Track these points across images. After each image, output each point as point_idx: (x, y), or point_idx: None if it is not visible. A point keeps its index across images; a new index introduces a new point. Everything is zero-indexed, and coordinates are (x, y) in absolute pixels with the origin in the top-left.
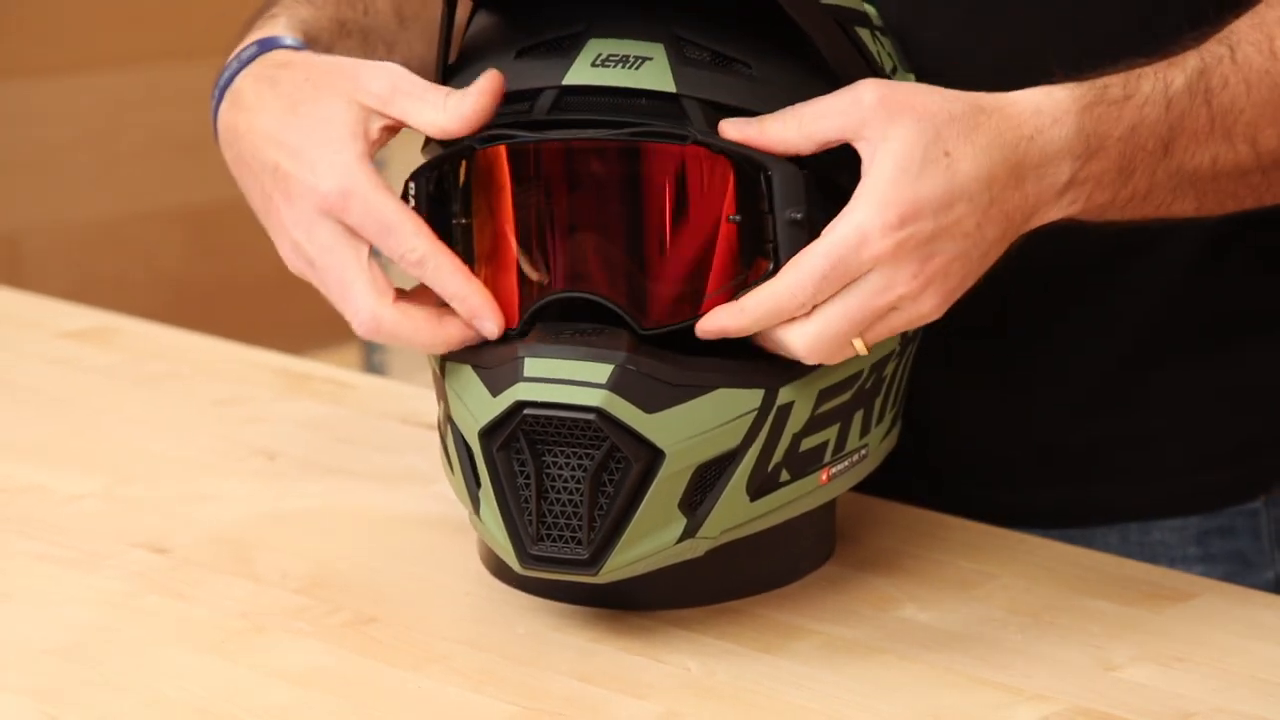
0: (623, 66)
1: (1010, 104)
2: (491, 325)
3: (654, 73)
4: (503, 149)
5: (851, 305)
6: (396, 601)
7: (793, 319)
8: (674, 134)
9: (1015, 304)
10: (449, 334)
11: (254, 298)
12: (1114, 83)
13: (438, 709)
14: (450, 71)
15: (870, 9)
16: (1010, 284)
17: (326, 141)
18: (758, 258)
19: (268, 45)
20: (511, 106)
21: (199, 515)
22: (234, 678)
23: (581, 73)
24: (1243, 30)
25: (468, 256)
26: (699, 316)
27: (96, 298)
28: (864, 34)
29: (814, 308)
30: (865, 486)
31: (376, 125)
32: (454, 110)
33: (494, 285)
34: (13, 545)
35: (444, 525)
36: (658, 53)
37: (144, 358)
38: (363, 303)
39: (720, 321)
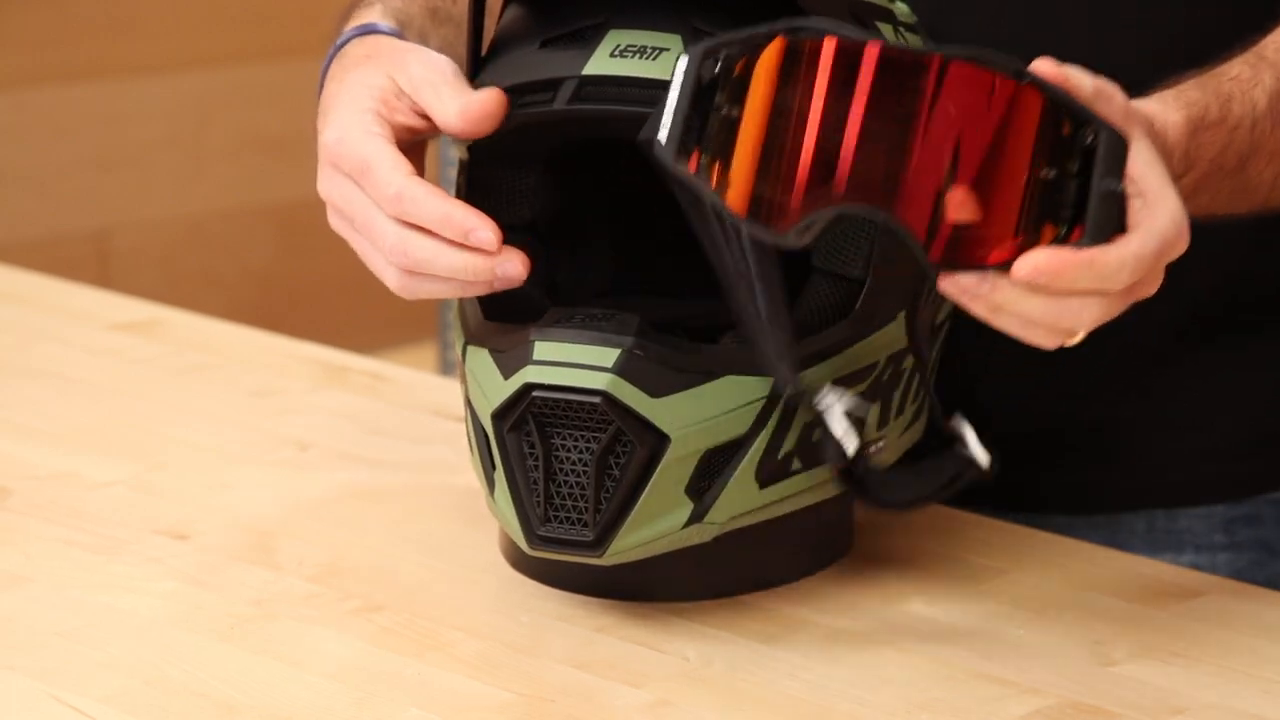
0: (640, 57)
1: (1157, 124)
2: (487, 234)
3: (670, 63)
4: (833, 43)
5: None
6: (407, 590)
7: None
8: (1010, 68)
9: None
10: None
11: (340, 295)
12: (1210, 104)
13: (433, 695)
14: (483, 62)
15: (901, 7)
16: None
17: (346, 103)
18: (1047, 221)
19: (364, 30)
20: (535, 95)
21: (224, 503)
22: (236, 662)
23: (601, 63)
24: None
25: (731, 150)
26: (988, 266)
27: (184, 295)
28: (886, 29)
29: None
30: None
31: (404, 103)
32: (463, 110)
33: (770, 183)
34: (38, 530)
35: (465, 515)
36: (675, 44)
37: (186, 349)
38: (386, 189)
39: (1057, 265)
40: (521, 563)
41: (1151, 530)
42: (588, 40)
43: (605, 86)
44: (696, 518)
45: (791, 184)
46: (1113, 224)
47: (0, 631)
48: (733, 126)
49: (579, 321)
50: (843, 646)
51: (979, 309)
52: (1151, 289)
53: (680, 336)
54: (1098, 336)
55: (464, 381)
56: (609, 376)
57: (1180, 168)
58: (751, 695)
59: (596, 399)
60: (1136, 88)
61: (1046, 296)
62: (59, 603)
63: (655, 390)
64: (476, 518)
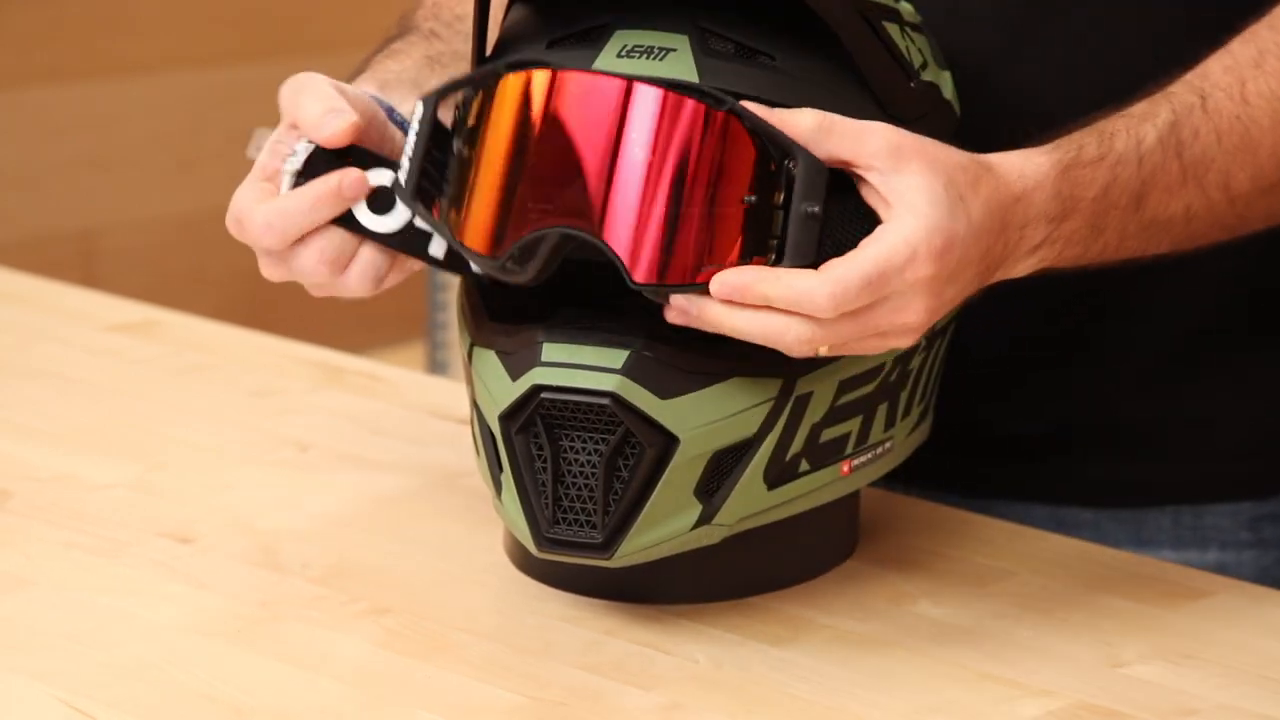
0: (647, 57)
1: (999, 164)
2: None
3: (678, 64)
4: (530, 75)
5: (859, 319)
6: (413, 592)
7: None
8: (713, 96)
9: (1079, 284)
10: None
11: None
12: (1088, 143)
13: (442, 698)
14: (487, 63)
15: (906, 6)
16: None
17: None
18: (758, 250)
19: None
20: None
21: (226, 505)
22: (244, 664)
23: (608, 63)
24: (1215, 74)
25: (463, 187)
26: (691, 284)
27: (172, 294)
28: (892, 29)
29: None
30: (910, 470)
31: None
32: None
33: (493, 213)
34: (41, 532)
35: (468, 517)
36: (682, 44)
37: (184, 350)
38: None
39: (745, 279)
40: (526, 564)
41: (1177, 527)
42: (594, 41)
43: None
44: (705, 519)
45: (508, 210)
46: (812, 245)
47: (3, 634)
48: (464, 165)
49: (587, 323)
50: (852, 648)
51: (697, 325)
52: (908, 317)
53: (688, 338)
54: (1129, 332)
55: (470, 383)
56: (617, 378)
57: (1056, 208)
58: (761, 697)
59: (605, 400)
60: (1141, 80)
61: (753, 311)
62: (64, 605)
63: (664, 391)
64: (479, 519)
